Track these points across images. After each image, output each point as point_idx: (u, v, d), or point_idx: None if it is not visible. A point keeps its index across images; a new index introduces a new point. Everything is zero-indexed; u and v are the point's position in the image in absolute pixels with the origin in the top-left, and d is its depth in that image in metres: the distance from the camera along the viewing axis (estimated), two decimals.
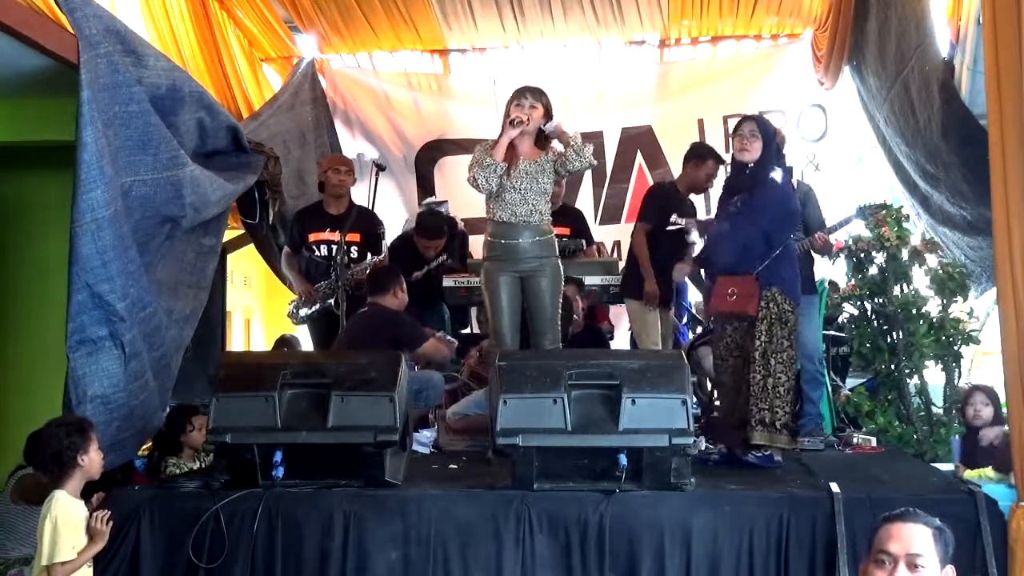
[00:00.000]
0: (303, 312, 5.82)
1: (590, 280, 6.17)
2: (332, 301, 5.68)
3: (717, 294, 4.63)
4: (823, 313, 5.86)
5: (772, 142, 4.64)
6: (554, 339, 4.75)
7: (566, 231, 6.33)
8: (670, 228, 5.54)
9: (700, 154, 5.78)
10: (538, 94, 4.69)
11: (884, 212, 5.48)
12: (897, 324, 5.51)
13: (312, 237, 5.85)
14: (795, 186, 5.27)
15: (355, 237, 5.76)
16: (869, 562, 2.30)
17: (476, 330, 6.87)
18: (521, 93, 4.68)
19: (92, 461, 3.42)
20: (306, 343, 6.72)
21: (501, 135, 4.62)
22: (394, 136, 8.02)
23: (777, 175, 4.61)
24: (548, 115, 4.68)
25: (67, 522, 3.29)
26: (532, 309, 4.73)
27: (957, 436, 5.15)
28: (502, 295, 4.68)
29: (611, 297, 6.38)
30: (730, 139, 4.71)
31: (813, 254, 5.46)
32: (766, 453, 4.40)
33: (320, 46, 7.80)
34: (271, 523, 3.59)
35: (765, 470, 4.32)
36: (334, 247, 5.72)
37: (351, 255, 5.82)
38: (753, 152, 4.59)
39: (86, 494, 3.51)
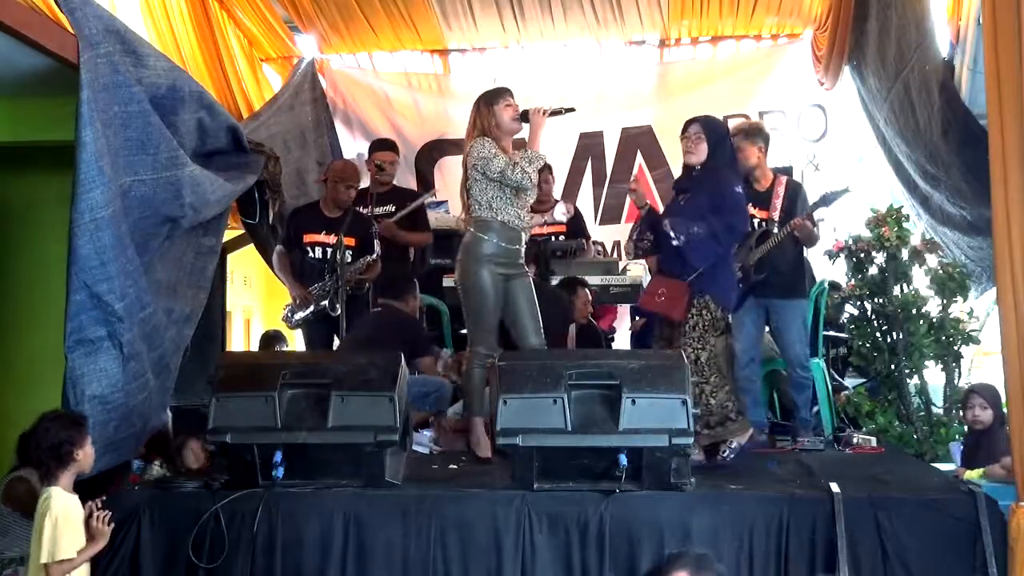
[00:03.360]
0: (298, 316, 5.79)
1: (590, 280, 6.17)
2: (326, 303, 5.66)
3: (648, 291, 4.71)
4: (823, 314, 5.86)
5: (722, 144, 4.59)
6: (541, 342, 4.68)
7: (562, 228, 6.32)
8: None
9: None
10: None
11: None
12: (897, 324, 5.51)
13: (307, 238, 5.81)
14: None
15: (351, 241, 5.72)
16: None
17: None
18: (509, 93, 4.62)
19: (86, 455, 3.42)
20: (298, 344, 6.70)
21: (535, 129, 4.53)
22: (394, 136, 8.02)
23: (730, 181, 4.58)
24: None
25: (67, 519, 3.28)
26: (523, 311, 4.62)
27: (958, 437, 5.15)
28: (494, 298, 4.55)
29: (611, 297, 6.39)
30: (683, 141, 4.68)
31: (806, 258, 5.46)
32: (731, 446, 4.41)
33: (320, 46, 7.80)
34: (271, 523, 3.59)
35: (765, 470, 4.32)
36: (329, 250, 5.69)
37: (346, 259, 5.79)
38: (698, 154, 4.57)
39: (83, 495, 3.50)
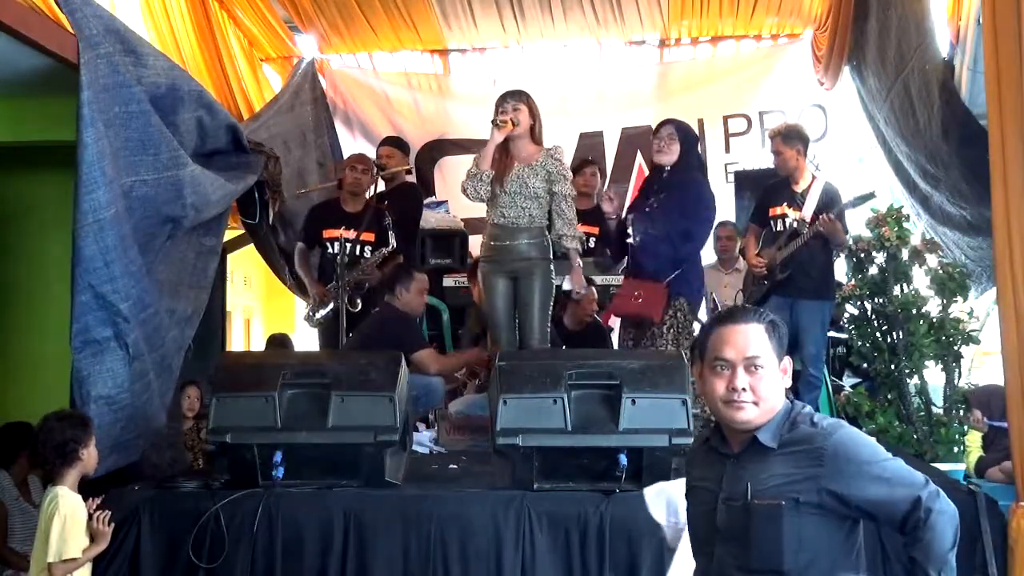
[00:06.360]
0: (320, 314, 5.77)
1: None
2: (347, 299, 5.63)
3: (621, 295, 4.79)
4: None
5: (694, 148, 4.76)
6: (542, 340, 4.79)
7: (595, 230, 6.28)
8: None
9: None
10: (520, 96, 4.75)
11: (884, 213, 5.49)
12: (897, 324, 5.50)
13: (327, 234, 5.83)
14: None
15: (370, 236, 5.74)
16: (704, 367, 2.14)
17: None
18: (503, 99, 4.76)
19: (91, 456, 3.43)
20: (314, 345, 6.68)
21: (488, 142, 4.74)
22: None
23: (701, 184, 4.72)
24: (532, 114, 4.76)
25: (74, 518, 3.29)
26: (521, 310, 4.84)
27: (957, 438, 5.16)
28: (496, 294, 4.84)
29: (611, 297, 6.36)
30: (655, 141, 4.87)
31: (833, 257, 5.48)
32: None
33: (320, 46, 7.81)
34: (271, 523, 3.59)
35: None
36: (348, 245, 5.68)
37: (364, 254, 5.80)
38: (671, 154, 4.72)
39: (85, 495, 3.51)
